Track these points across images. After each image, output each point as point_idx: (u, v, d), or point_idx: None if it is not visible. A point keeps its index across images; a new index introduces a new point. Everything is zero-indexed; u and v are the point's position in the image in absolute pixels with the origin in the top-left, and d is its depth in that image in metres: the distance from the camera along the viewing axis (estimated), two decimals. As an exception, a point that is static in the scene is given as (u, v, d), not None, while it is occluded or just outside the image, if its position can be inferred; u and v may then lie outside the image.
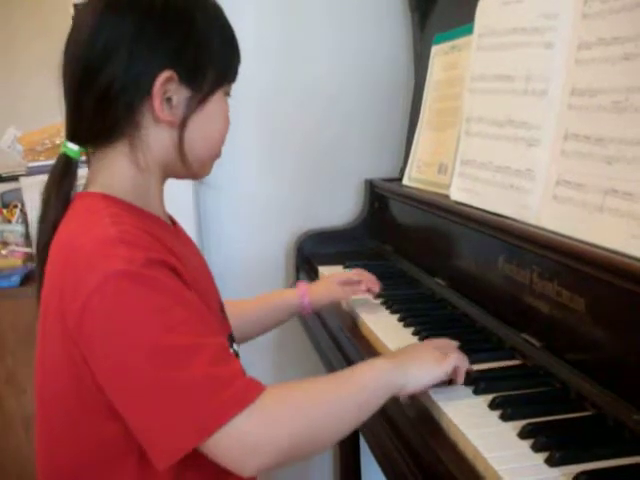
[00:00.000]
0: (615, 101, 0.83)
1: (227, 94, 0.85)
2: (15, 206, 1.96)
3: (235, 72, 0.86)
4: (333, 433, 0.76)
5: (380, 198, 1.64)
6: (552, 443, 0.71)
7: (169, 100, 0.78)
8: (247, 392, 0.69)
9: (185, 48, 0.78)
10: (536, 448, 0.71)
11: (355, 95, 1.76)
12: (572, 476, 0.65)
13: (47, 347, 0.76)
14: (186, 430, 0.67)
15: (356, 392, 0.78)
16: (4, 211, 1.96)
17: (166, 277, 0.71)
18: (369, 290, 1.21)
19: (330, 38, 1.72)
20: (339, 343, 1.23)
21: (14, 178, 1.99)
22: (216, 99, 0.82)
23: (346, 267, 1.49)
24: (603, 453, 0.70)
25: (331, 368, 1.27)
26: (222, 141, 0.86)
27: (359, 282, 1.21)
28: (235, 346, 0.94)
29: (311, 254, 1.68)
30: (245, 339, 1.13)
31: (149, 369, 0.67)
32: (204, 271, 0.94)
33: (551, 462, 0.68)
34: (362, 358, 1.08)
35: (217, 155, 0.87)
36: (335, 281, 1.21)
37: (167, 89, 0.77)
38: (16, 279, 1.66)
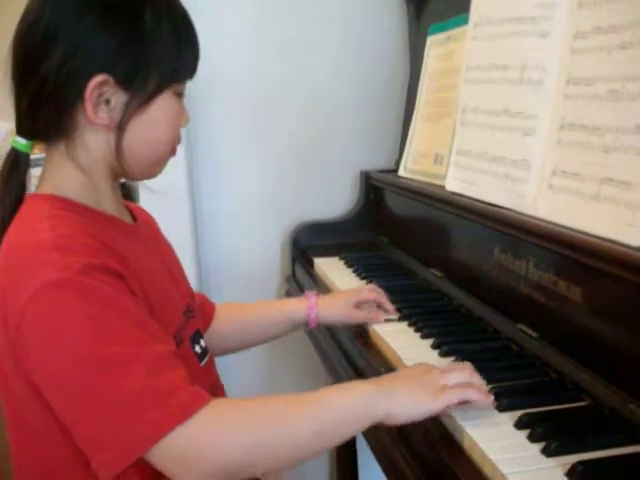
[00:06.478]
0: (611, 90, 0.83)
1: (179, 94, 0.80)
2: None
3: (190, 71, 0.81)
4: (282, 459, 0.71)
5: (376, 189, 1.64)
6: (548, 433, 0.71)
7: (108, 102, 0.74)
8: (188, 404, 0.66)
9: (125, 49, 0.73)
10: (533, 438, 0.71)
11: (351, 87, 1.75)
12: (569, 466, 0.65)
13: None
14: (126, 441, 0.65)
15: (318, 418, 0.71)
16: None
17: (103, 283, 0.68)
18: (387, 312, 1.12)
19: (325, 29, 1.71)
20: (332, 331, 1.23)
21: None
22: (162, 100, 0.77)
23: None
24: (599, 443, 0.70)
25: (321, 351, 1.26)
26: (170, 143, 0.81)
27: (374, 301, 1.12)
28: (202, 342, 0.91)
29: (307, 246, 1.68)
30: (244, 346, 1.10)
31: (82, 378, 0.65)
32: (167, 269, 0.90)
33: (548, 452, 0.68)
34: (355, 347, 1.08)
35: (167, 156, 0.83)
36: (351, 303, 1.10)
37: (103, 91, 0.73)
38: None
